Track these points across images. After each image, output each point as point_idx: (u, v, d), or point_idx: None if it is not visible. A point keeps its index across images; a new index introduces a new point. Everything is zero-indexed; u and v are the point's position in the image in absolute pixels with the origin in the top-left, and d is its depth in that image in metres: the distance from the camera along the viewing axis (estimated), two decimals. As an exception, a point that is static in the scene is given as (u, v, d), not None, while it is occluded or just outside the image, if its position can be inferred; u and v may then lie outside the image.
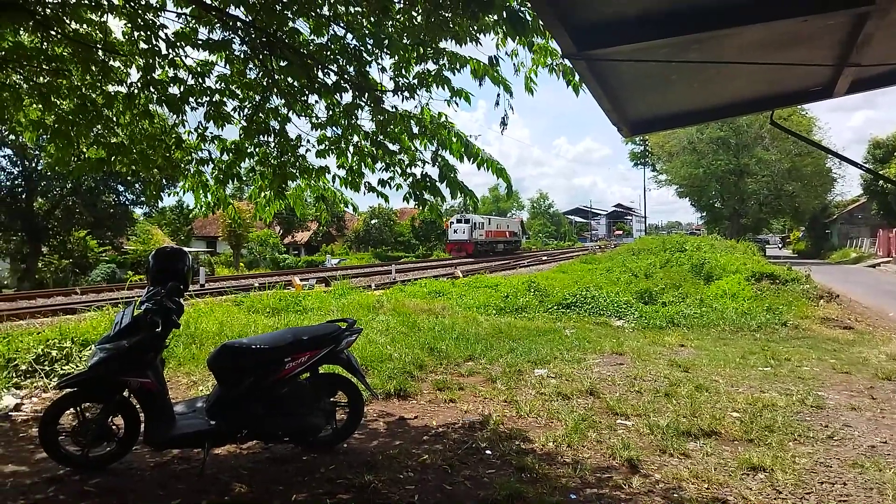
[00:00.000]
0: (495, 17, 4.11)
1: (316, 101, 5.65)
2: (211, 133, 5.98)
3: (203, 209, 6.45)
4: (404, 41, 4.80)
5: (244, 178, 6.34)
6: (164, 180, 6.26)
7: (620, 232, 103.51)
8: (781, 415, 5.52)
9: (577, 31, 2.25)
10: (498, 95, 5.18)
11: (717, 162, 45.32)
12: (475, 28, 4.28)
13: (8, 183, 30.12)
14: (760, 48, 2.93)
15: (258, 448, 4.56)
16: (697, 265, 19.45)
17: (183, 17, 5.25)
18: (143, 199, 33.77)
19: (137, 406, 4.09)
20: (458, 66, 5.17)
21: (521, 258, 44.68)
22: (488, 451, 4.52)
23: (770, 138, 43.70)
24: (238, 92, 5.81)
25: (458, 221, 48.67)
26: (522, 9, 4.02)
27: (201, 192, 6.30)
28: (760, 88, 3.87)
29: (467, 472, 4.16)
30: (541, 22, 4.01)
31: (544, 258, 42.45)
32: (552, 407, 5.65)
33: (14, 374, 6.27)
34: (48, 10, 4.90)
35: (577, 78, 4.96)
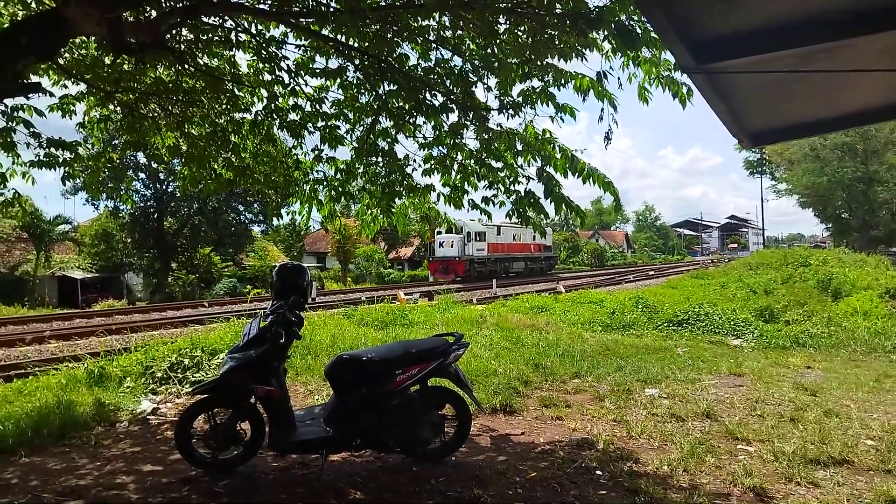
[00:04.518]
0: (604, 33, 4.06)
1: (423, 122, 5.83)
2: (326, 154, 6.36)
3: (307, 220, 6.95)
4: (510, 61, 4.84)
5: (355, 196, 6.66)
6: (279, 199, 6.81)
7: (735, 245, 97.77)
8: (924, 445, 5.00)
9: (697, 44, 2.20)
10: (602, 110, 4.97)
11: (842, 169, 41.75)
12: (581, 44, 4.23)
13: (142, 204, 33.19)
14: (894, 54, 2.72)
15: (371, 457, 4.72)
16: (824, 281, 18.03)
17: (302, 48, 5.62)
18: (260, 217, 36.04)
19: (263, 413, 4.37)
20: (562, 82, 5.12)
21: (627, 273, 41.60)
22: (598, 472, 4.42)
23: (902, 143, 39.84)
24: (350, 115, 6.13)
25: (448, 232, 33.47)
26: (632, 22, 3.96)
27: (312, 206, 6.72)
28: (893, 95, 3.59)
29: (576, 491, 4.09)
30: (653, 36, 3.93)
31: (651, 273, 40.76)
32: (665, 429, 5.44)
33: (151, 381, 6.87)
34: (183, 47, 5.42)
35: (684, 90, 4.78)
